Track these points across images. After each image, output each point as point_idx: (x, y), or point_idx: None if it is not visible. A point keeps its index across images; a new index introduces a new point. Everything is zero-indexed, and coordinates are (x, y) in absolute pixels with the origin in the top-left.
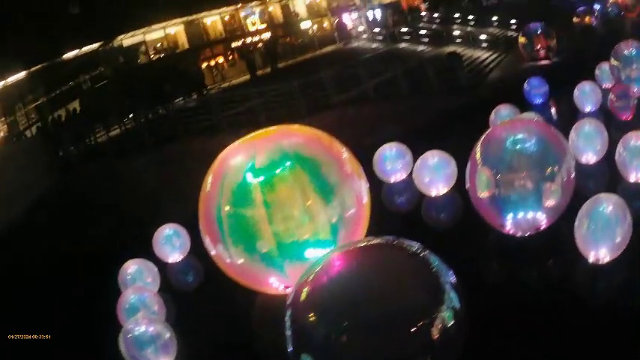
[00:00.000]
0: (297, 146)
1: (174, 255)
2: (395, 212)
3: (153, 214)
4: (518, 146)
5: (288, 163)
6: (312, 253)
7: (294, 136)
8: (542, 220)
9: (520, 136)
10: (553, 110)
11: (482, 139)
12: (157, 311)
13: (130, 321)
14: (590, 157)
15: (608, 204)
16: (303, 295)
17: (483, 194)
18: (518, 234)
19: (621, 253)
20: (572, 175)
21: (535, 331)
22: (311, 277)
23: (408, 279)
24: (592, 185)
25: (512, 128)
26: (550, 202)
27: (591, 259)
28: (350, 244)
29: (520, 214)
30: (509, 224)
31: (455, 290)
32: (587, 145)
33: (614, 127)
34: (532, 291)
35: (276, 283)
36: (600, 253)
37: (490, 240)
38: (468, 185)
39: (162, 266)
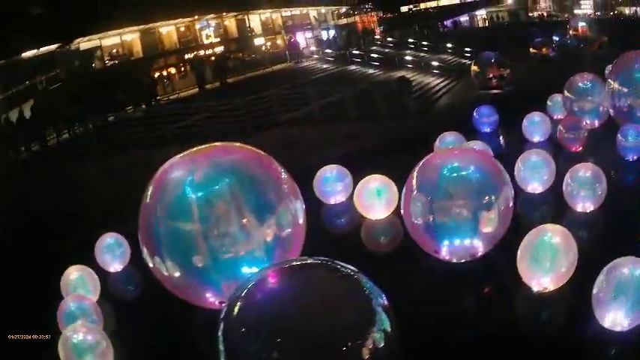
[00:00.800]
0: (236, 164)
1: (114, 264)
2: (333, 233)
3: (98, 222)
4: (454, 174)
5: (226, 180)
6: (247, 271)
7: (234, 153)
8: (478, 247)
9: (457, 164)
10: (501, 139)
11: (419, 165)
12: (95, 320)
13: (68, 328)
14: (536, 187)
15: (553, 234)
16: (236, 311)
17: (418, 220)
18: (454, 260)
19: (566, 283)
20: (510, 205)
21: (475, 357)
22: (244, 293)
23: (340, 299)
24: (537, 215)
25: (449, 156)
26: (487, 230)
27: (536, 288)
28: (284, 262)
29: (456, 241)
30: (445, 251)
31: (386, 313)
32: (533, 175)
33: (563, 159)
34: (470, 317)
35: (212, 298)
36: (544, 282)
37: (428, 265)
38: (403, 211)
39: (103, 275)
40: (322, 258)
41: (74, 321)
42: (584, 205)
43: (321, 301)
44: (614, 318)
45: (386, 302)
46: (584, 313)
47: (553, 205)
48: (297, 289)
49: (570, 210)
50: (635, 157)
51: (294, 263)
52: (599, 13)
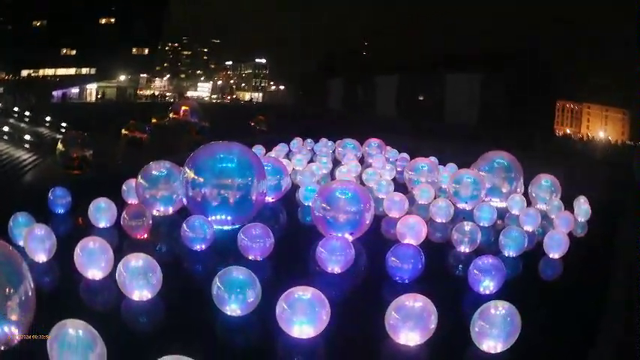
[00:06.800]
0: None
1: None
2: None
3: None
4: None
5: None
6: None
7: None
8: (13, 334)
9: None
10: (77, 221)
11: None
12: None
13: None
14: (96, 274)
15: (72, 328)
16: None
17: None
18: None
19: None
20: (30, 294)
21: None
22: None
23: None
24: (100, 300)
25: None
26: (14, 318)
27: None
28: None
29: None
30: None
31: None
32: (91, 262)
33: (128, 244)
34: None
35: None
36: None
37: None
38: None
39: None
40: None
41: None
42: (141, 293)
43: None
44: None
45: None
46: None
47: (111, 293)
48: None
49: (127, 298)
50: (201, 247)
51: None
52: (215, 97)
